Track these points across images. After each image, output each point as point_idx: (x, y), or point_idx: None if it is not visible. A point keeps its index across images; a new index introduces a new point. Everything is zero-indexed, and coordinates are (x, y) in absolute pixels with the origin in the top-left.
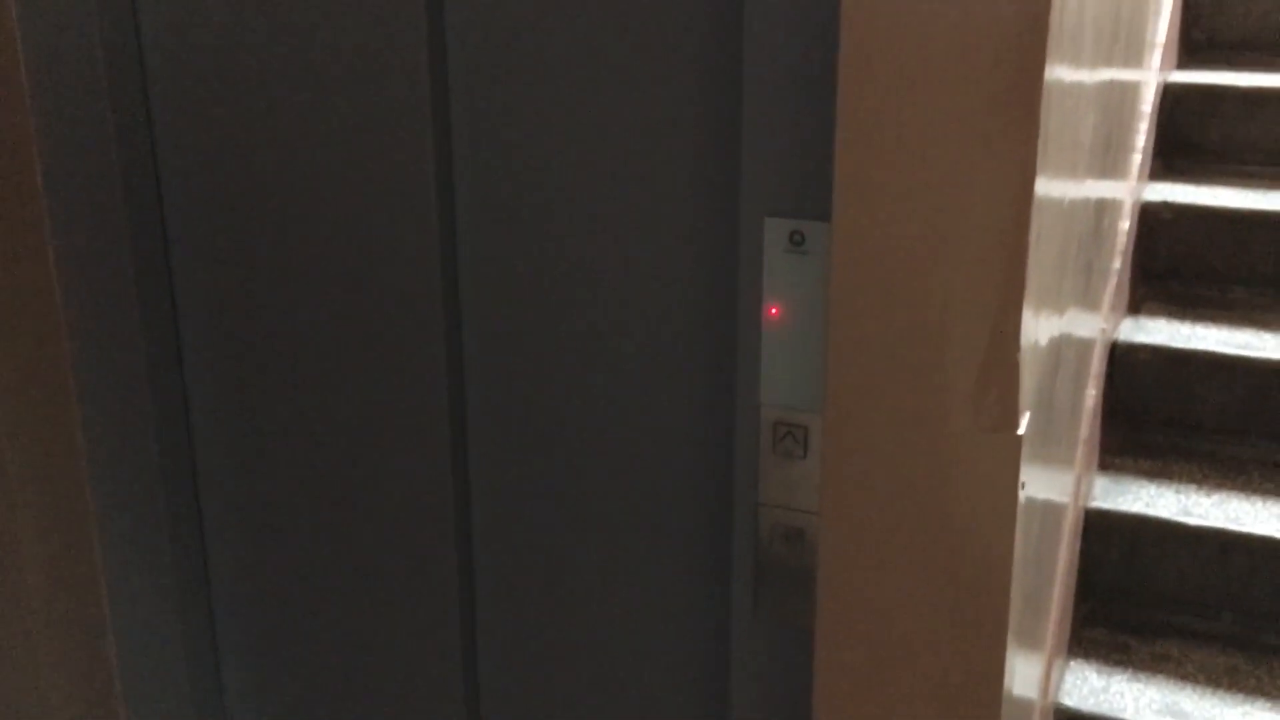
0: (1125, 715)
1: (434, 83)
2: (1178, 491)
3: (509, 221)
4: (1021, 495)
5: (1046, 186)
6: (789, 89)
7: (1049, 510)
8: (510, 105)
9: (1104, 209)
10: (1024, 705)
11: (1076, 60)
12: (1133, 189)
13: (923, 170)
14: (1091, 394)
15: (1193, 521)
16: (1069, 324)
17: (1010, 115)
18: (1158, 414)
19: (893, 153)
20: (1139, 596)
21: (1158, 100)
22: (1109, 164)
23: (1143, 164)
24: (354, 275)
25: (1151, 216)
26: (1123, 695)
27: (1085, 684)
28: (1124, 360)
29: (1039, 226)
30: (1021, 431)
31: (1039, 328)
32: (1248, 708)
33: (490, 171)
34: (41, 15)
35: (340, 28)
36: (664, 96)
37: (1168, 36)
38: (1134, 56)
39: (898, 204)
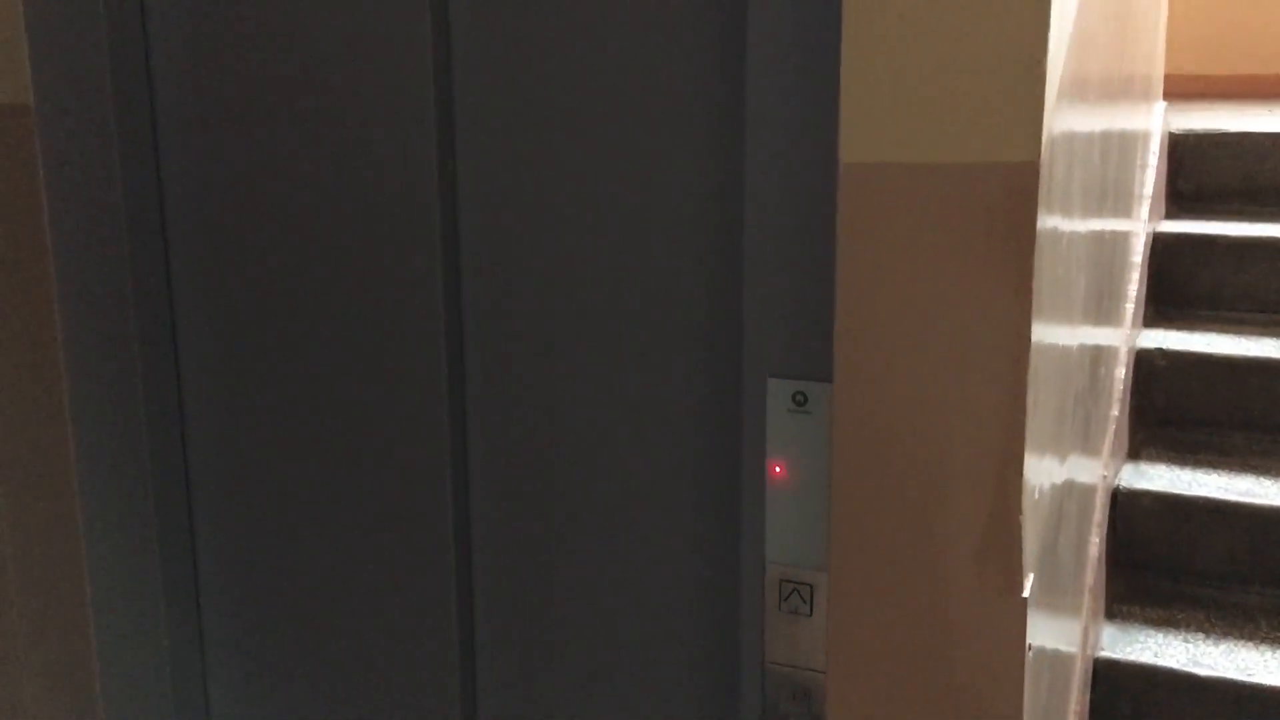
0: None
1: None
2: (1186, 640)
3: (519, 392)
4: (1028, 654)
5: (1043, 335)
6: (790, 254)
7: (1057, 661)
8: (518, 289)
9: (1100, 357)
10: None
11: (1067, 213)
12: (1127, 336)
13: (922, 331)
14: (1095, 541)
15: (1203, 672)
16: (1071, 471)
17: (1005, 272)
18: (1162, 560)
19: (892, 314)
20: None
21: (1148, 250)
22: (1103, 312)
23: (1136, 312)
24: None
25: (1146, 363)
26: None
27: None
28: (1126, 507)
29: (1037, 378)
30: (1026, 594)
31: (1042, 477)
32: None
33: (501, 347)
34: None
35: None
36: (670, 261)
37: (1155, 188)
38: (1123, 208)
39: (898, 364)
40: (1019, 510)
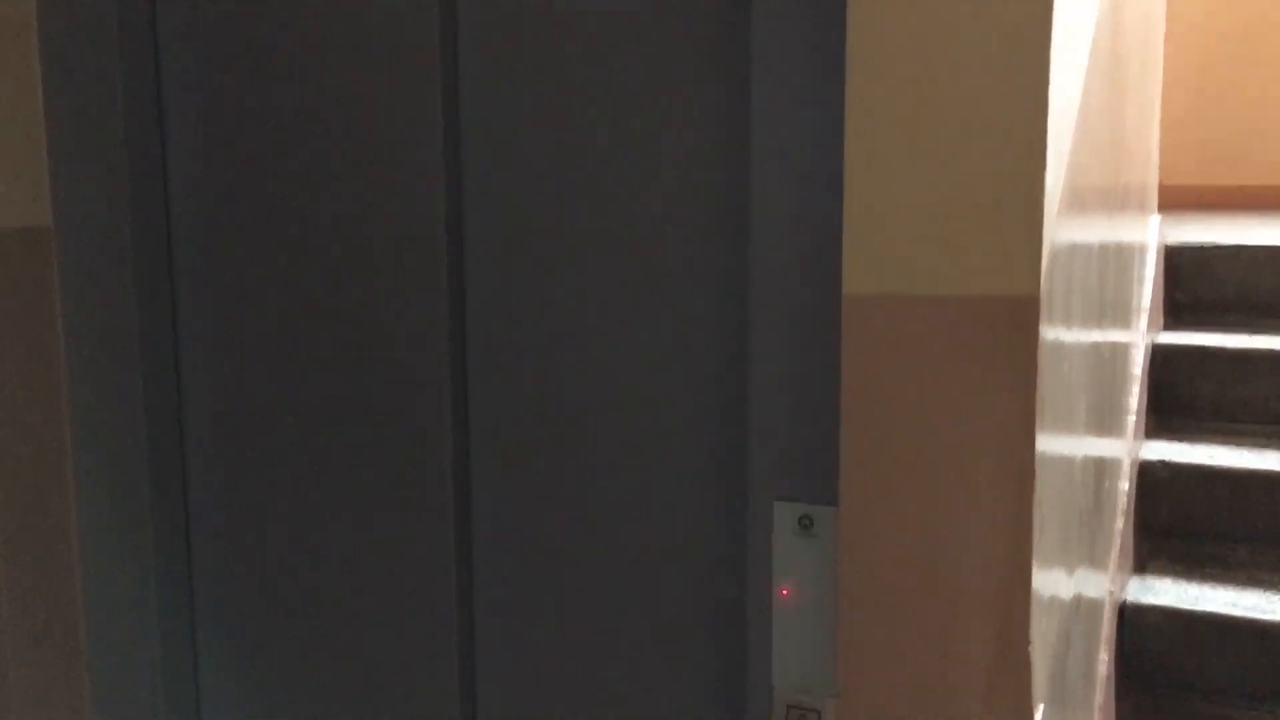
0: None
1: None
2: None
3: (525, 528)
4: None
5: (1047, 453)
6: (795, 379)
7: None
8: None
9: (1104, 470)
10: None
11: (1068, 328)
12: (1130, 448)
13: (925, 456)
14: (1104, 659)
15: None
16: (1078, 587)
17: (1008, 399)
18: (1171, 677)
19: (896, 439)
20: None
21: (1147, 361)
22: (1105, 425)
23: (1137, 423)
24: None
25: (1150, 476)
26: None
27: None
28: (1133, 622)
29: (1043, 497)
30: None
31: (1049, 597)
32: None
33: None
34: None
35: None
36: (675, 387)
37: (1153, 300)
38: (1122, 320)
39: (903, 488)
40: (1027, 639)
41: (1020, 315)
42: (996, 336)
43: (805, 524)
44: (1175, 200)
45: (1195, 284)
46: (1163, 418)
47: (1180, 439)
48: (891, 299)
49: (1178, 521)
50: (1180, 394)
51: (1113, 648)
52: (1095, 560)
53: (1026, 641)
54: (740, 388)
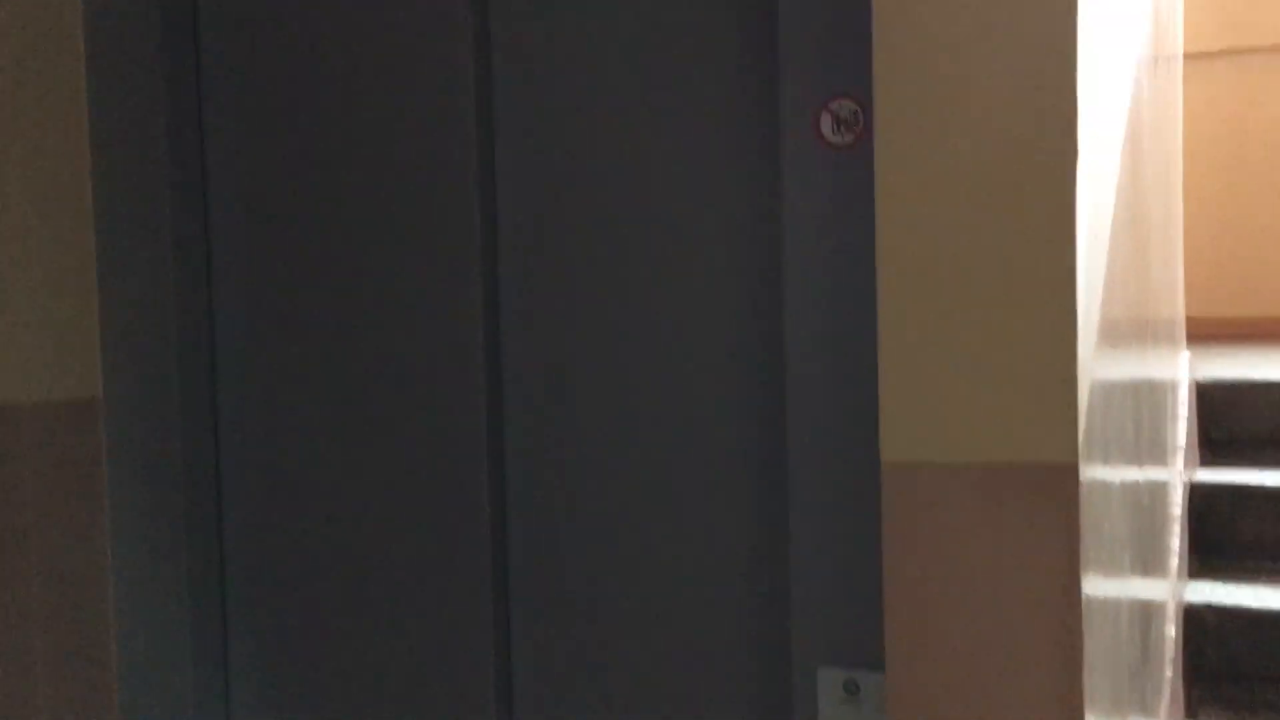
0: None
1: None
2: None
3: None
4: None
5: (1091, 610)
6: (837, 546)
7: None
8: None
9: (1150, 617)
10: None
11: (1108, 473)
12: (1174, 589)
13: (971, 618)
14: None
15: None
16: None
17: (1050, 561)
18: None
19: (941, 603)
20: None
21: (1186, 500)
22: (1149, 568)
23: (1180, 564)
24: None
25: (1196, 621)
26: None
27: None
28: None
29: (1090, 653)
30: None
31: None
32: None
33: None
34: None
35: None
36: (720, 557)
37: (1188, 438)
38: (1159, 458)
39: (950, 650)
40: None
41: (1060, 482)
42: (1037, 503)
43: (851, 689)
44: (1202, 331)
45: (1229, 420)
46: (1205, 557)
47: (1224, 579)
48: (931, 467)
49: (1227, 666)
50: (1221, 532)
51: None
52: (1147, 712)
53: None
54: (782, 552)
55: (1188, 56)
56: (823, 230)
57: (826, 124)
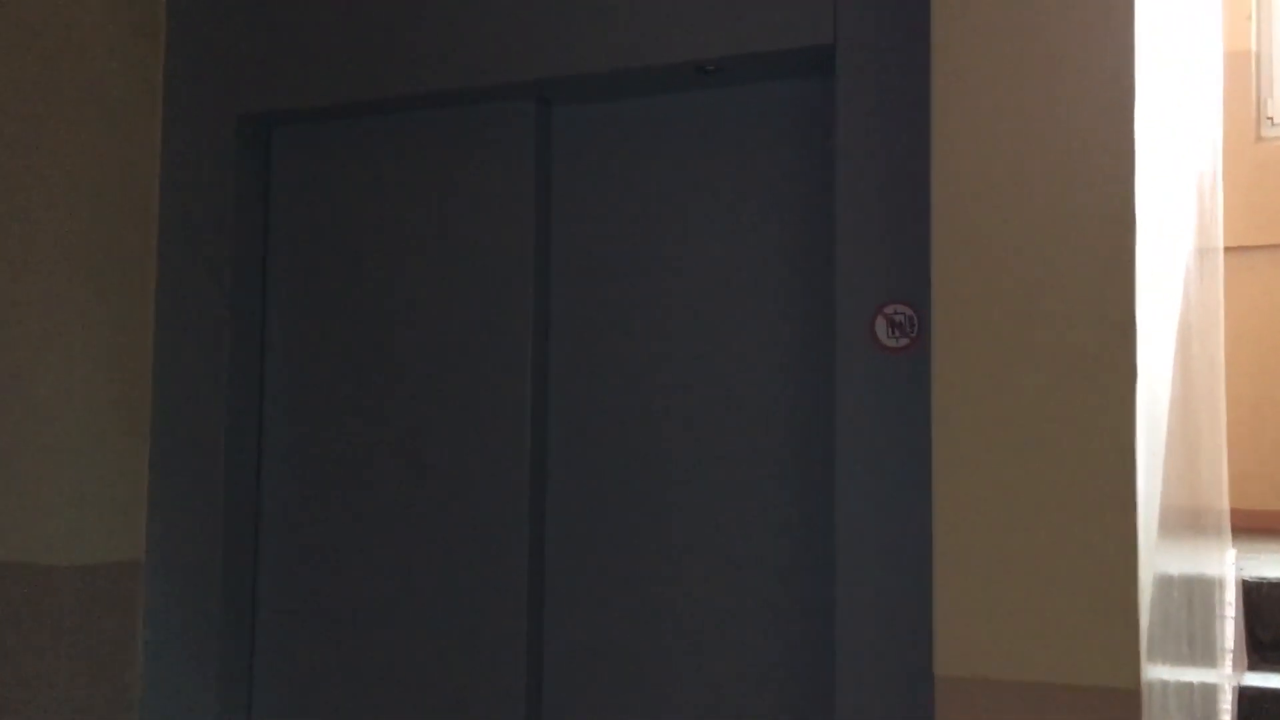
0: None
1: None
2: None
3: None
4: None
5: None
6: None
7: None
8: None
9: None
10: None
11: (1165, 678)
12: None
13: None
14: None
15: None
16: None
17: None
18: None
19: None
20: None
21: (1235, 705)
22: None
23: None
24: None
25: None
26: None
27: None
28: None
29: None
30: None
31: None
32: None
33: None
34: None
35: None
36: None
37: (1236, 639)
38: (1209, 660)
39: None
40: None
41: (1123, 707)
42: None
43: None
44: (1243, 524)
45: (1276, 620)
46: None
47: None
48: (987, 683)
49: None
50: None
51: None
52: None
53: None
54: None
55: (1228, 250)
56: (876, 435)
57: (881, 328)
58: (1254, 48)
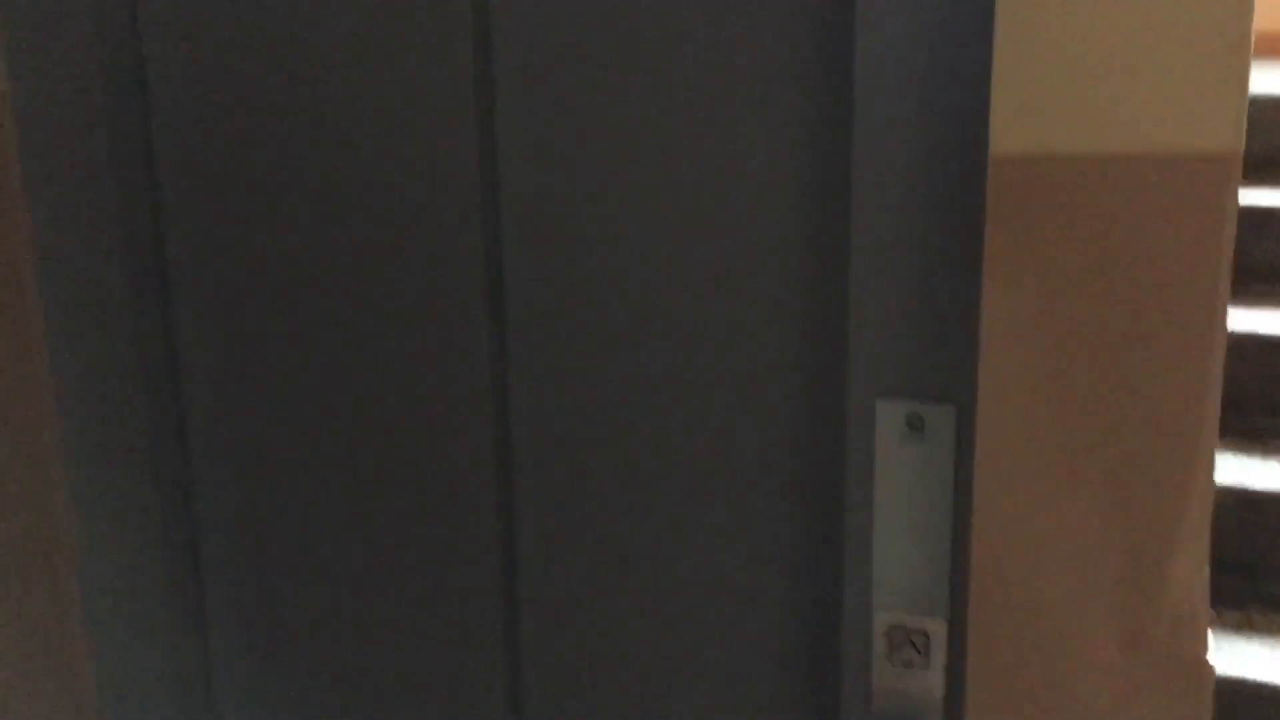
0: None
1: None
2: None
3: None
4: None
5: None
6: (903, 270)
7: None
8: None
9: None
10: None
11: None
12: None
13: (1091, 332)
14: None
15: None
16: None
17: (1194, 262)
18: None
19: (1049, 317)
20: None
21: None
22: None
23: None
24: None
25: None
26: None
27: None
28: None
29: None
30: (1210, 659)
31: None
32: None
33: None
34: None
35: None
36: (768, 266)
37: None
38: None
39: (1046, 387)
40: (1205, 542)
41: (1218, 176)
42: (1185, 202)
43: (914, 424)
44: None
45: None
46: None
47: None
48: (1052, 159)
49: None
50: None
51: None
52: None
53: (1204, 548)
54: (840, 266)
55: None
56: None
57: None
58: None
